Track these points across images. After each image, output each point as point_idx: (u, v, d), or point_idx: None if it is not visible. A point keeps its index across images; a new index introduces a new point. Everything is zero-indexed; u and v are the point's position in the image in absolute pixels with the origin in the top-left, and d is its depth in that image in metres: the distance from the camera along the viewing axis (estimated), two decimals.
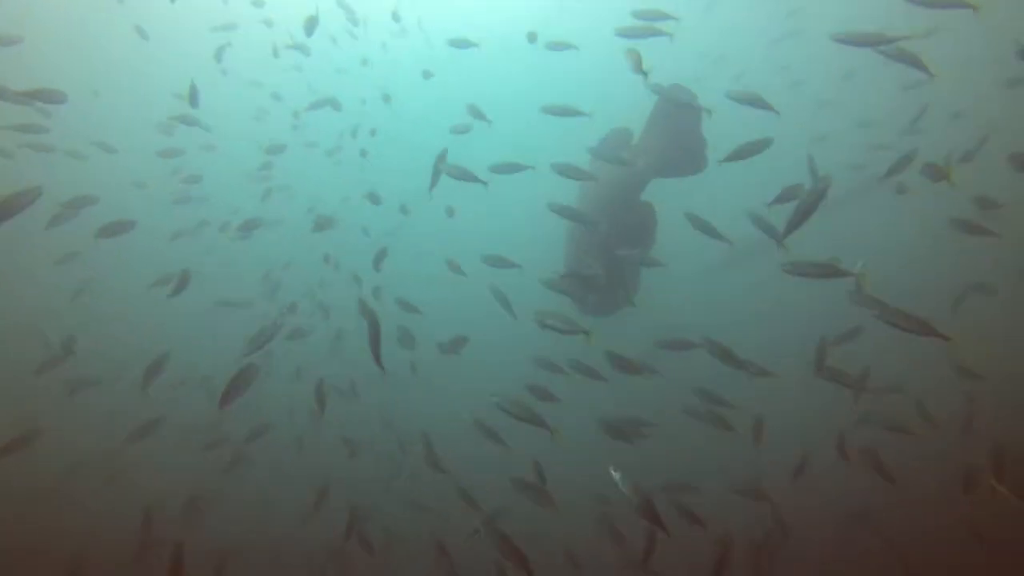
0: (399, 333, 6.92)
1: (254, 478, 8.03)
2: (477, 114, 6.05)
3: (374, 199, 7.37)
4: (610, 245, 7.89)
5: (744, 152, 4.67)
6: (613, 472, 3.21)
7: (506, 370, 7.61)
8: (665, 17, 4.97)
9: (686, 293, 11.69)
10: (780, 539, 6.54)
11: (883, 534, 7.86)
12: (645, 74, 4.51)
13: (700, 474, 7.87)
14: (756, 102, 4.52)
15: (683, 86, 7.02)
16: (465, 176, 4.95)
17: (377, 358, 3.71)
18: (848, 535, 7.98)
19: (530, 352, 6.31)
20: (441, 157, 4.99)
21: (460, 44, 6.42)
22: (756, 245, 11.03)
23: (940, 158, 5.02)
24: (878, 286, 4.50)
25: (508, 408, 3.93)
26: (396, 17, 10.67)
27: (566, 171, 5.23)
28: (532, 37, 6.34)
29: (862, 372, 5.38)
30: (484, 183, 5.03)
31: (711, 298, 12.10)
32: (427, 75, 9.46)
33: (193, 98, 5.79)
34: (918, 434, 5.80)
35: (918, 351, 7.59)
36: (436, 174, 5.01)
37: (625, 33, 5.04)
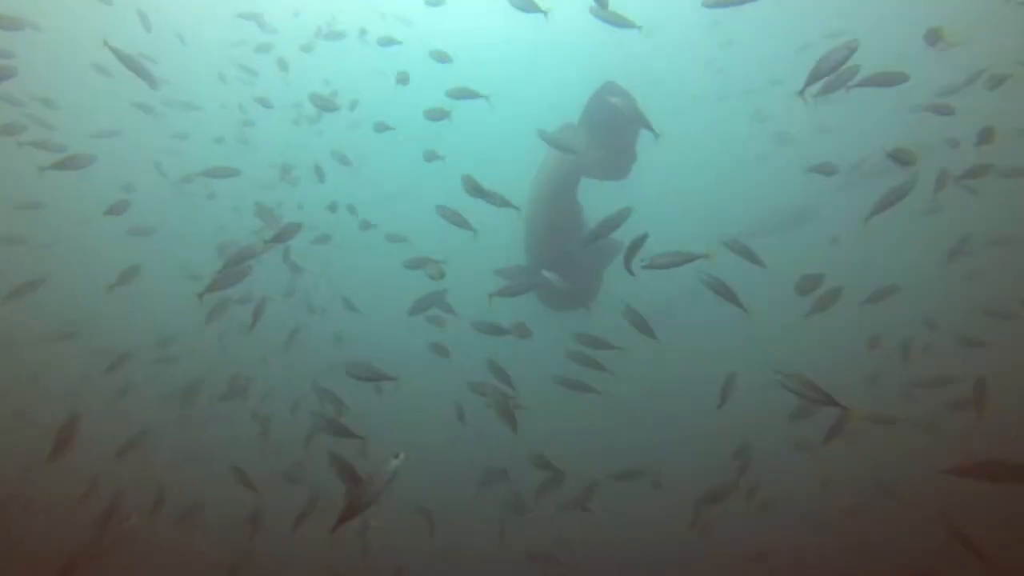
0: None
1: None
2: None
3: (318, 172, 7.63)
4: (557, 241, 7.94)
5: (880, 80, 4.64)
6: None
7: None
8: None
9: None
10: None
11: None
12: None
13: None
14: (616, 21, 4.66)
15: (629, 95, 7.12)
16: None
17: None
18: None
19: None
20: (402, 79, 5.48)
21: None
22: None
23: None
24: None
25: (353, 372, 4.14)
26: None
27: (434, 115, 5.71)
28: None
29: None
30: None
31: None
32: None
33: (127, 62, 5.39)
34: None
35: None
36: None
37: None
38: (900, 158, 5.03)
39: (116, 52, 5.22)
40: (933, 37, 5.33)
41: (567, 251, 7.89)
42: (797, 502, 7.85)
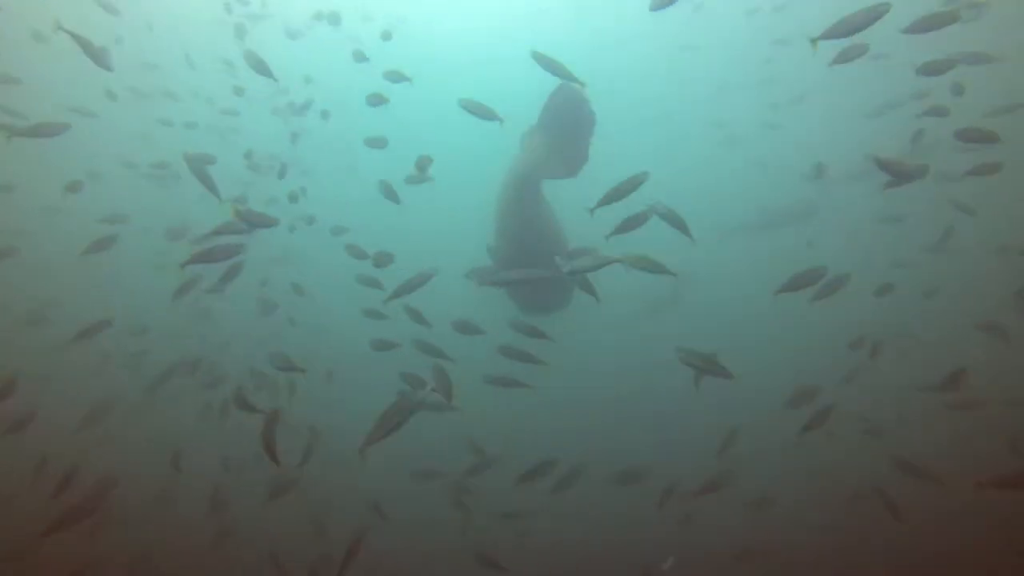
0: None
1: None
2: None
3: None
4: (527, 246, 7.65)
5: (931, 68, 4.83)
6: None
7: None
8: None
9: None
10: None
11: None
12: None
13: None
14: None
15: (583, 94, 7.07)
16: None
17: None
18: None
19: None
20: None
21: None
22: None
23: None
24: None
25: (275, 362, 4.31)
26: None
27: (375, 100, 5.85)
28: None
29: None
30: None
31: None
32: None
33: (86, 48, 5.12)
34: None
35: None
36: None
37: None
38: (891, 168, 4.81)
39: (72, 35, 5.04)
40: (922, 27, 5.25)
41: (538, 251, 7.78)
42: (794, 501, 7.78)
